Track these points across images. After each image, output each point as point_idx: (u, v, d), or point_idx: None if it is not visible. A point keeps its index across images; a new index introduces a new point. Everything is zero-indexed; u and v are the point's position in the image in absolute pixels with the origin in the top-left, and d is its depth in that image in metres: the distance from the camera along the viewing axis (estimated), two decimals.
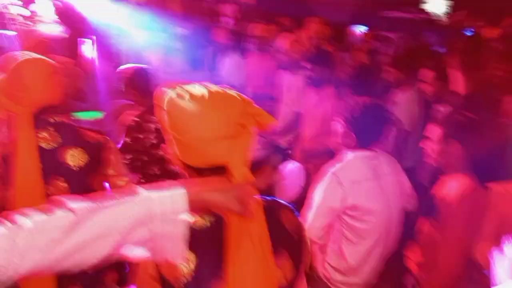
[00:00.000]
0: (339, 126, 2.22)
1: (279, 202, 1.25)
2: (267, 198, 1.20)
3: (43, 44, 3.33)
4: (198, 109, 1.05)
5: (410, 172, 2.64)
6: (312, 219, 1.96)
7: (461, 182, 2.06)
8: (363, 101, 2.19)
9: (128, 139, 3.01)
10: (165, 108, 1.10)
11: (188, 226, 0.96)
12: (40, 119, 1.81)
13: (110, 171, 1.96)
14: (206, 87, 1.10)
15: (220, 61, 5.87)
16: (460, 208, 2.01)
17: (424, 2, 10.73)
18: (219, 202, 0.98)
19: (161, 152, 3.02)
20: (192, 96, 1.07)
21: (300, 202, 3.46)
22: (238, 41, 5.64)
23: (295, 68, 4.29)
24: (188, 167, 1.11)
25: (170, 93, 1.10)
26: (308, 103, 3.92)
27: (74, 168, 1.85)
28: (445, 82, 3.03)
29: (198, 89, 1.09)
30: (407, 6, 9.34)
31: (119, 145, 3.00)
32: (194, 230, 1.05)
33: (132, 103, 4.68)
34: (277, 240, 1.13)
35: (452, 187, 2.09)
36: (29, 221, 0.89)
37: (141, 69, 3.22)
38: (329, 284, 2.22)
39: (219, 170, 1.07)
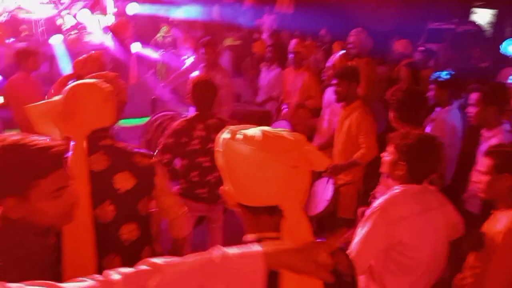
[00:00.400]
0: (388, 154, 2.15)
1: None
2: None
3: (93, 57, 3.44)
4: (251, 150, 1.07)
5: (451, 192, 2.53)
6: (358, 255, 1.92)
7: (511, 215, 1.99)
8: (417, 132, 2.12)
9: (171, 140, 3.09)
10: (220, 149, 1.13)
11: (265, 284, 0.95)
12: (91, 141, 1.85)
13: (156, 192, 2.00)
14: (260, 129, 1.13)
15: (260, 73, 5.90)
16: (507, 243, 1.94)
17: (472, 13, 10.34)
18: (296, 264, 0.96)
19: (200, 159, 3.11)
20: (246, 138, 1.10)
21: (326, 215, 3.43)
22: (277, 54, 5.62)
23: None
24: (242, 205, 1.15)
25: (225, 135, 1.14)
26: (337, 118, 3.88)
27: (122, 191, 1.88)
28: (490, 106, 2.90)
29: (252, 131, 1.12)
30: (453, 18, 9.09)
31: (160, 146, 3.11)
32: None
33: (173, 113, 4.81)
34: (331, 283, 1.12)
35: (501, 220, 2.02)
36: (118, 275, 0.94)
37: (204, 79, 3.33)
38: None
39: (273, 210, 1.10)
